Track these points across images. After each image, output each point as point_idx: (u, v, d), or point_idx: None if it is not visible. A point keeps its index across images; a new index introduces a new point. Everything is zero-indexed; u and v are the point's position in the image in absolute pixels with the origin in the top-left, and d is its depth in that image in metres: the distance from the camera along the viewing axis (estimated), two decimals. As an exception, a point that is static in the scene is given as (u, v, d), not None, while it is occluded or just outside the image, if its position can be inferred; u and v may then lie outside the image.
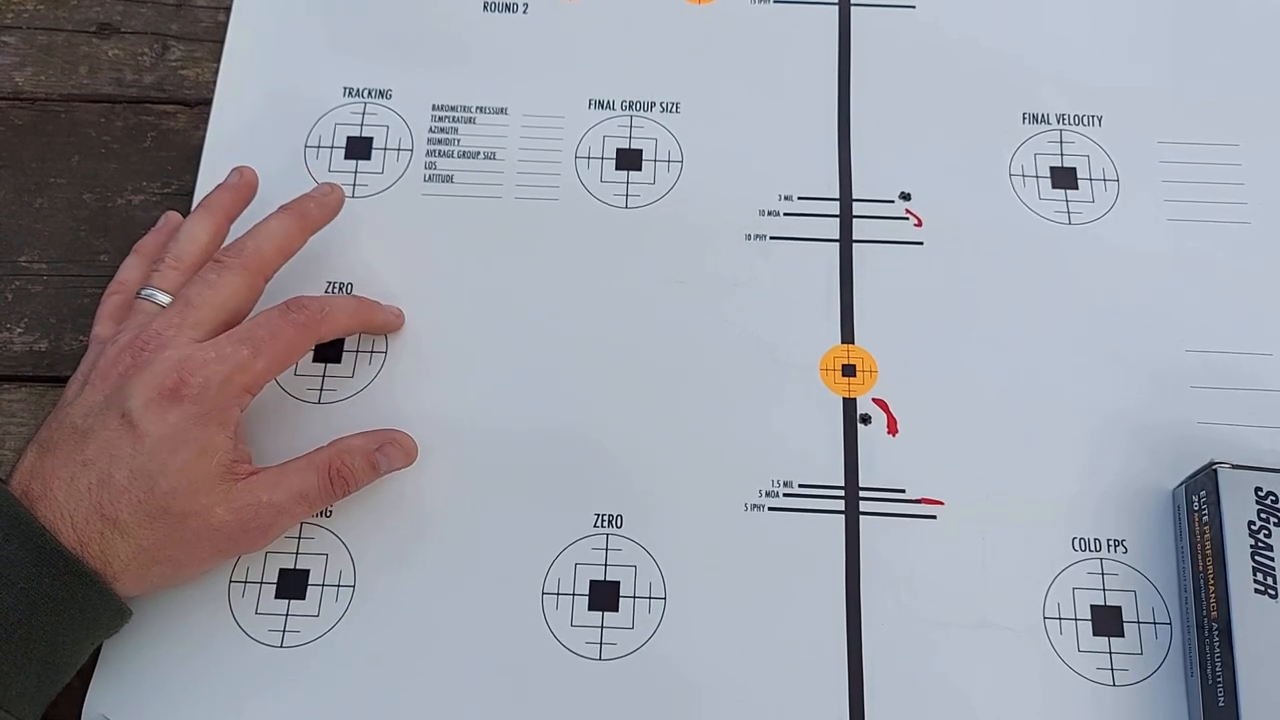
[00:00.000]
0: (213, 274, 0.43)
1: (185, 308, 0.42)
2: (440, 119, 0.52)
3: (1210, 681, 0.40)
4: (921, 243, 0.50)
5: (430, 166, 0.51)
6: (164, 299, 0.44)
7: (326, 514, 0.45)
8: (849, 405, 0.47)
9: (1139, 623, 0.44)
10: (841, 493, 0.45)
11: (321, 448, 0.43)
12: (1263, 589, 0.40)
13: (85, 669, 0.42)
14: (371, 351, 0.48)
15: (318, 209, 0.47)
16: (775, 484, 0.46)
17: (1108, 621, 0.44)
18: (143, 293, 0.44)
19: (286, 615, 0.44)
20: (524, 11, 0.54)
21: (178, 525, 0.40)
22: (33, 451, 0.40)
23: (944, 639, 0.43)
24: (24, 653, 0.37)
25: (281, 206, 0.46)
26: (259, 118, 0.52)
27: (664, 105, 0.52)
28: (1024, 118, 0.52)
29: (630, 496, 0.45)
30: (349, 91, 0.53)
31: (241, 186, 0.47)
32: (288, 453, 0.43)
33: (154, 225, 0.49)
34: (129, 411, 0.40)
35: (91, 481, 0.39)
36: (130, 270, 0.47)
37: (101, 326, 0.45)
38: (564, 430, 0.46)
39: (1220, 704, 0.39)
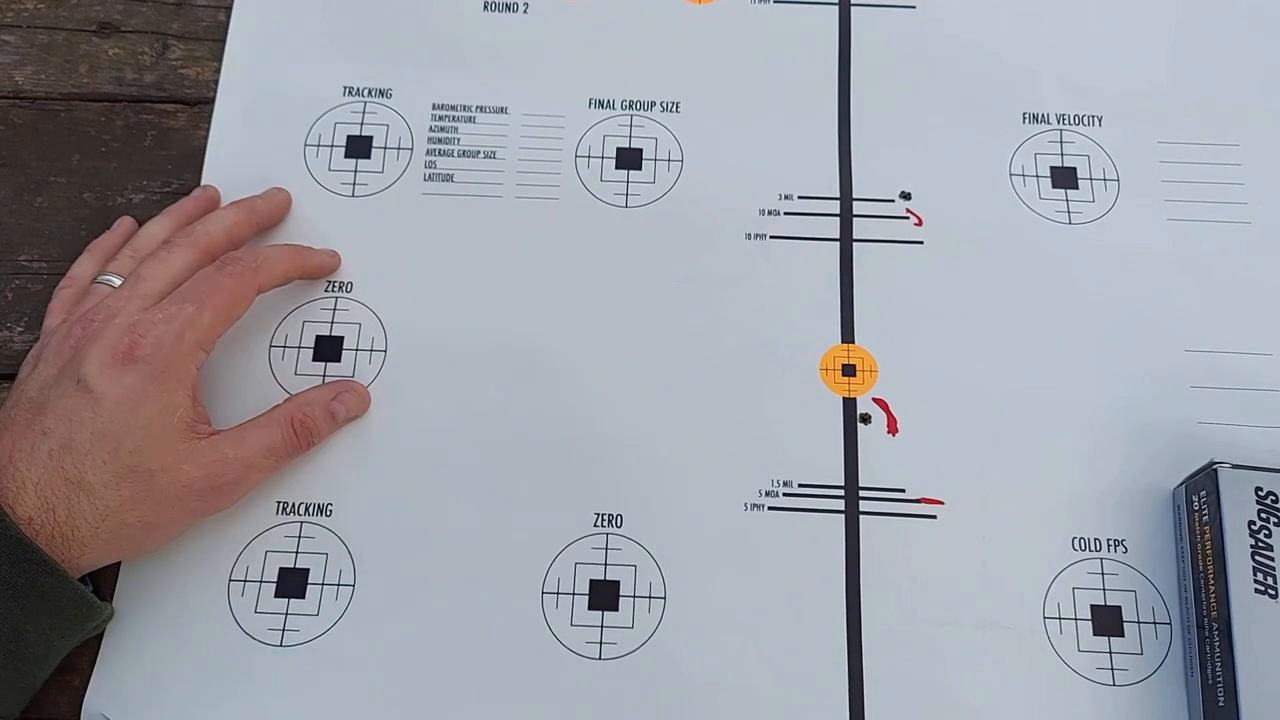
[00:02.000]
0: (163, 251, 0.44)
1: (136, 282, 0.43)
2: (440, 118, 0.52)
3: (1210, 681, 0.40)
4: (921, 242, 0.50)
5: (430, 166, 0.51)
6: (117, 282, 0.45)
7: (327, 513, 0.45)
8: (849, 405, 0.47)
9: (1139, 622, 0.44)
10: (841, 492, 0.45)
11: (279, 404, 0.45)
12: (1263, 589, 0.40)
13: (85, 669, 0.42)
14: (371, 351, 0.48)
15: (264, 204, 0.49)
16: (775, 483, 0.46)
17: (1108, 621, 0.44)
18: (99, 278, 0.45)
19: (286, 614, 0.44)
20: (524, 11, 0.54)
21: (146, 483, 0.40)
22: None
23: (944, 639, 0.43)
24: None
25: (231, 203, 0.48)
26: (259, 117, 0.52)
27: (664, 105, 0.52)
28: (1024, 118, 0.52)
29: (630, 496, 0.45)
30: (349, 90, 0.53)
31: (204, 199, 0.49)
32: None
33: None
34: (85, 378, 0.40)
35: (53, 448, 0.39)
36: (83, 267, 0.48)
37: (52, 318, 0.46)
38: (564, 430, 0.46)
39: (1220, 704, 0.39)
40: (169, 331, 0.41)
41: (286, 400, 0.45)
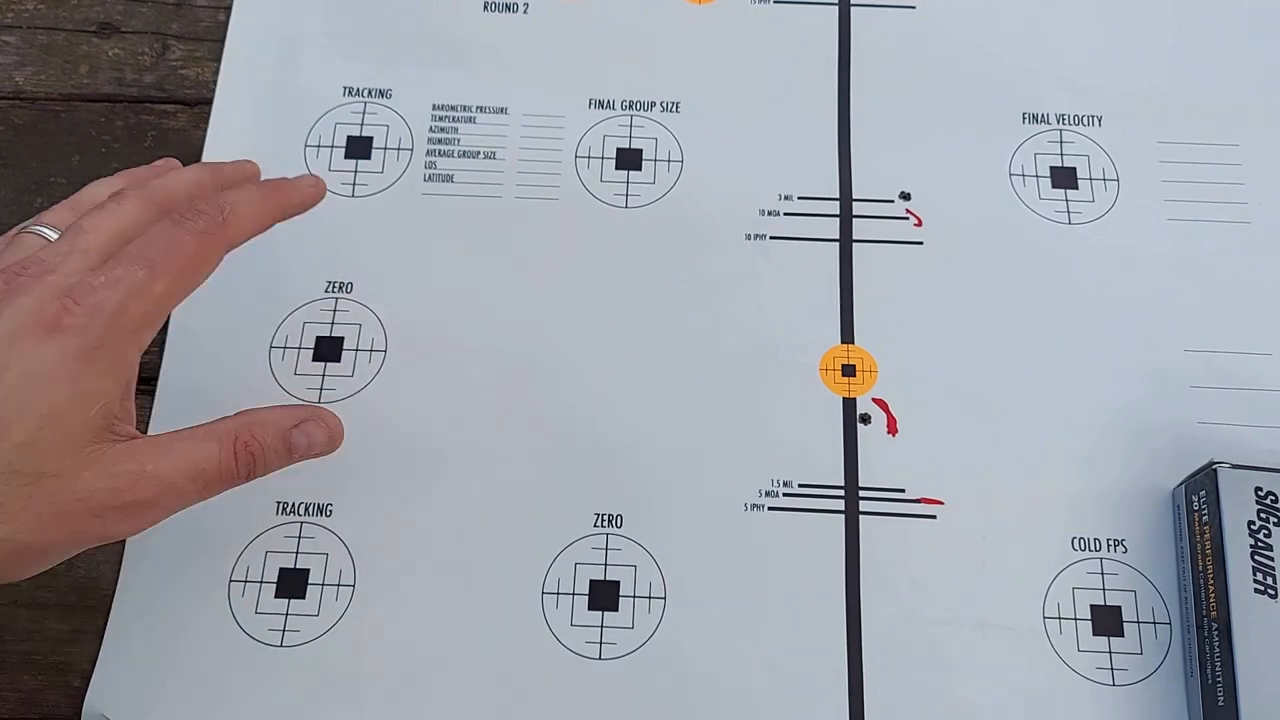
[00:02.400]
0: (111, 203, 0.36)
1: (77, 234, 0.35)
2: (440, 118, 0.52)
3: (1210, 681, 0.40)
4: (921, 243, 0.50)
5: (430, 166, 0.51)
6: (51, 235, 0.37)
7: (327, 513, 0.45)
8: (849, 405, 0.47)
9: (1139, 622, 0.44)
10: (841, 492, 0.45)
11: (227, 417, 0.36)
12: (1263, 589, 0.40)
13: (85, 669, 0.42)
14: (371, 350, 0.48)
15: (231, 170, 0.42)
16: (775, 484, 0.46)
17: (1108, 621, 0.44)
18: (29, 227, 0.37)
19: (286, 614, 0.44)
20: (524, 11, 0.54)
21: (28, 488, 0.32)
22: None
23: (944, 639, 0.43)
24: None
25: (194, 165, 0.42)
26: (259, 117, 0.52)
27: (664, 105, 0.52)
28: (1024, 118, 0.52)
29: (630, 496, 0.45)
30: (349, 91, 0.53)
31: (162, 168, 0.43)
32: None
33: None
34: None
35: None
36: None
37: None
38: (564, 430, 0.46)
39: (1220, 704, 0.39)
40: (110, 299, 0.33)
41: (239, 414, 0.37)
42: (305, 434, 0.38)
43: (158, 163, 0.44)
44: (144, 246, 0.35)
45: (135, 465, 0.33)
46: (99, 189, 0.40)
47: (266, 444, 0.36)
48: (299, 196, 0.41)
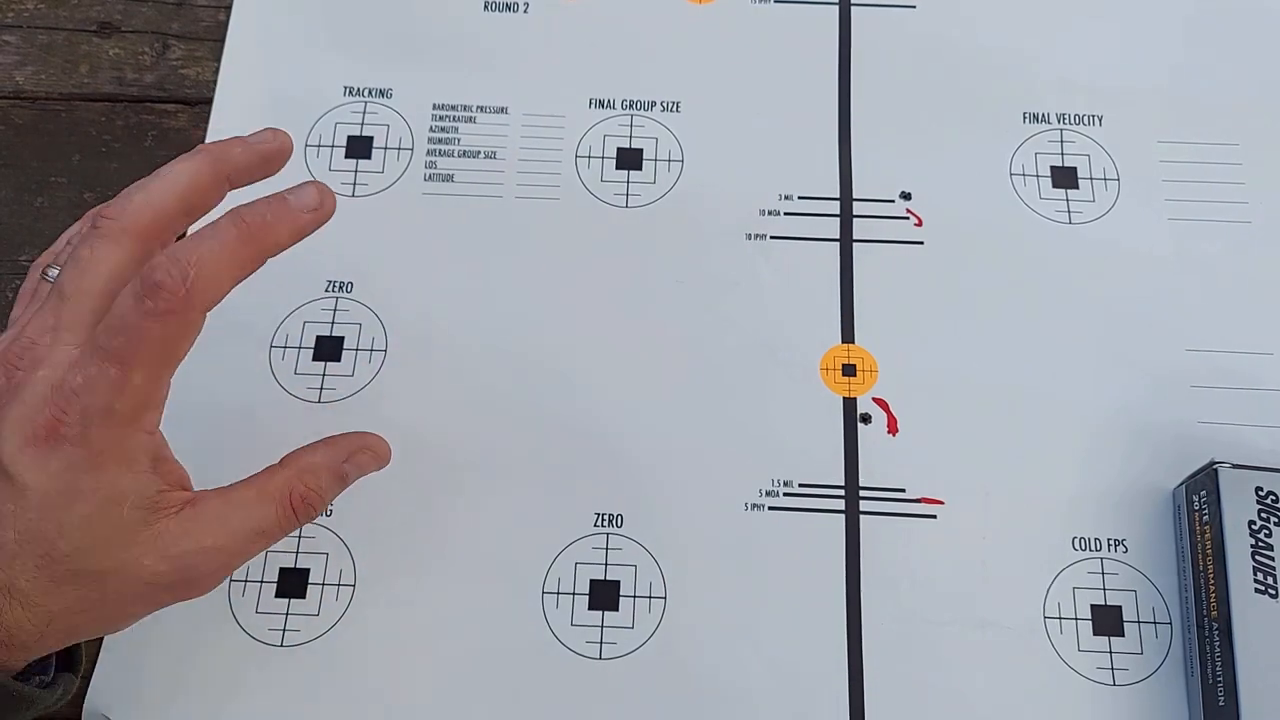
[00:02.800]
0: (85, 249, 0.33)
1: (60, 303, 0.33)
2: (440, 118, 0.52)
3: (1210, 681, 0.40)
4: (921, 242, 0.50)
5: (430, 166, 0.51)
6: None
7: (327, 513, 0.45)
8: (849, 405, 0.47)
9: (1139, 622, 0.44)
10: (842, 492, 0.45)
11: (274, 469, 0.36)
12: (1263, 589, 0.40)
13: (86, 669, 0.42)
14: (371, 350, 0.48)
15: (243, 152, 0.36)
16: (775, 483, 0.46)
17: (1108, 621, 0.44)
18: (47, 274, 0.36)
19: (287, 614, 0.44)
20: (524, 11, 0.54)
21: (96, 585, 0.32)
22: None
23: (944, 639, 0.43)
24: None
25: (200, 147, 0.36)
26: (259, 117, 0.52)
27: (664, 105, 0.52)
28: (1024, 117, 0.52)
29: (630, 496, 0.45)
30: (349, 90, 0.53)
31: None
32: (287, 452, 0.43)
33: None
34: (1, 457, 0.31)
35: None
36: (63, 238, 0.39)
37: (15, 308, 0.37)
38: (564, 429, 0.46)
39: (1220, 704, 0.39)
40: (94, 403, 0.31)
41: (285, 462, 0.36)
42: (356, 465, 0.38)
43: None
44: (109, 337, 0.31)
45: (193, 544, 0.33)
46: (84, 223, 0.37)
47: (321, 488, 0.36)
48: (291, 226, 0.34)
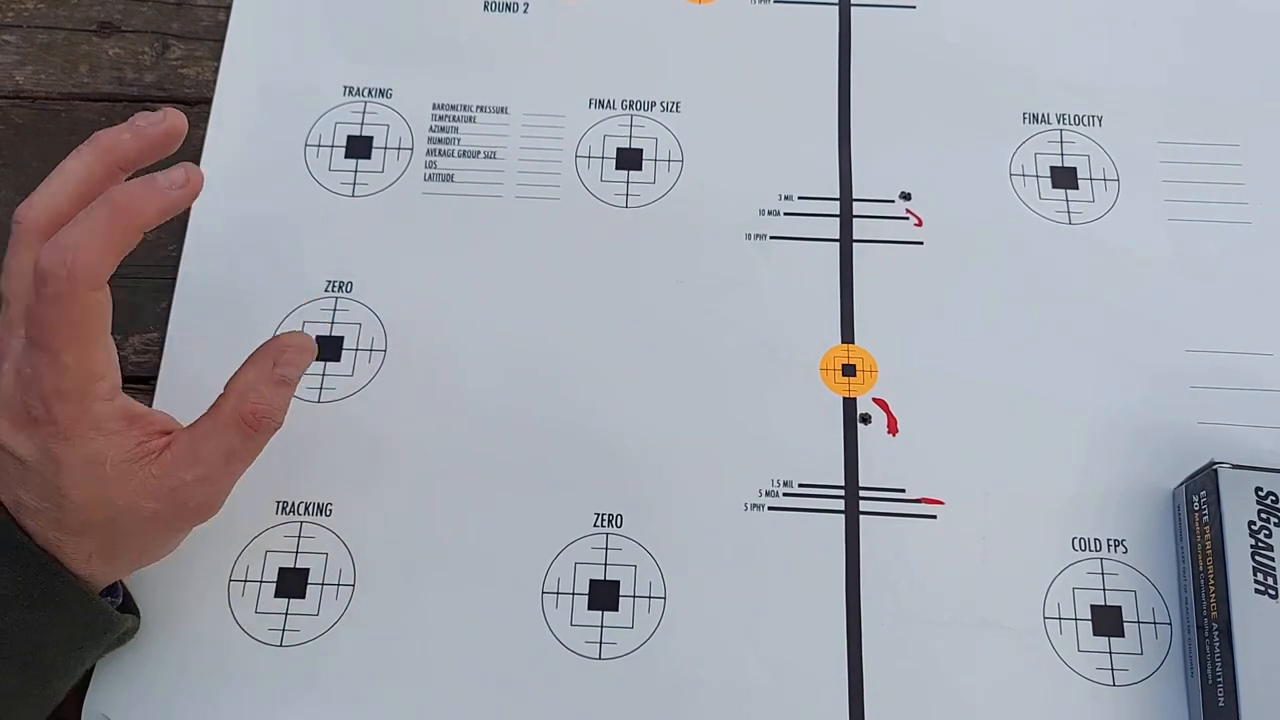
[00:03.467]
0: (10, 256, 0.37)
1: (6, 306, 0.37)
2: (440, 118, 0.52)
3: (1210, 681, 0.40)
4: (921, 243, 0.50)
5: (430, 166, 0.51)
6: None
7: (327, 513, 0.45)
8: (849, 405, 0.47)
9: (1139, 622, 0.44)
10: (841, 492, 0.45)
11: (220, 399, 0.38)
12: (1263, 589, 0.40)
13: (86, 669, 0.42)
14: (371, 350, 0.48)
15: (132, 138, 0.37)
16: (775, 483, 0.46)
17: (1108, 621, 0.44)
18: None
19: (286, 614, 0.44)
20: (524, 11, 0.54)
21: (108, 532, 0.37)
22: None
23: (944, 639, 0.43)
24: (1, 652, 0.36)
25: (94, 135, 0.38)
26: (259, 117, 0.52)
27: (664, 105, 0.52)
28: (1024, 117, 0.52)
29: (630, 496, 0.45)
30: (349, 90, 0.53)
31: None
32: (290, 452, 0.43)
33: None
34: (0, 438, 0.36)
35: (10, 503, 0.37)
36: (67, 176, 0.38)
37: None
38: (564, 429, 0.46)
39: (1220, 704, 0.39)
40: (45, 388, 0.35)
41: (226, 392, 0.38)
42: (288, 365, 0.39)
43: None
44: (30, 329, 0.35)
45: (176, 480, 0.37)
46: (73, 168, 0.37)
47: (265, 398, 0.38)
48: (159, 204, 0.35)
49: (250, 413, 0.38)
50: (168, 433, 0.38)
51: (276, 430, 0.39)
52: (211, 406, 0.38)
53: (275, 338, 0.40)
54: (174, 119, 0.37)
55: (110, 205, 0.35)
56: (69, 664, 0.38)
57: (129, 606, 0.42)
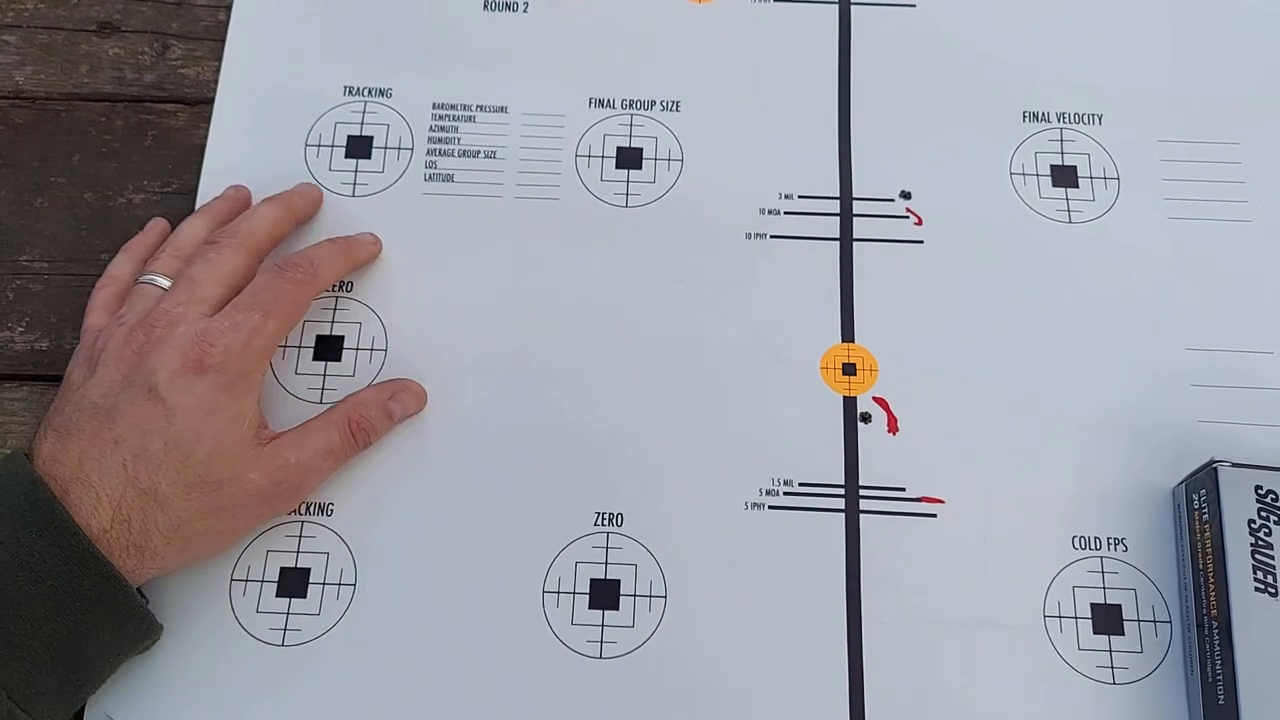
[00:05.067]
0: (212, 253, 0.44)
1: (190, 286, 0.43)
2: (440, 118, 0.52)
3: (1210, 680, 0.40)
4: (921, 242, 0.50)
5: (430, 165, 0.51)
6: (164, 283, 0.44)
7: (327, 512, 0.45)
8: (849, 404, 0.47)
9: (1139, 621, 0.44)
10: (842, 491, 0.45)
11: (335, 404, 0.45)
12: (1263, 587, 0.40)
13: (86, 668, 0.42)
14: (371, 350, 0.48)
15: (299, 199, 0.49)
16: (775, 482, 0.46)
17: (1108, 620, 0.44)
18: (142, 278, 0.45)
19: (288, 614, 0.44)
20: (524, 10, 0.54)
21: (215, 492, 0.40)
22: (49, 437, 0.40)
23: (944, 638, 0.43)
24: (48, 652, 0.37)
25: (267, 198, 0.48)
26: (259, 117, 0.52)
27: (664, 104, 0.52)
28: (1024, 116, 0.52)
29: (631, 495, 0.45)
30: (349, 90, 0.53)
31: (237, 200, 0.49)
32: (288, 452, 0.43)
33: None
34: (155, 386, 0.40)
35: (125, 457, 0.39)
36: (120, 266, 0.47)
37: (94, 317, 0.45)
38: (564, 429, 0.46)
39: (1220, 702, 0.39)
40: (237, 340, 0.41)
41: (342, 401, 0.45)
42: (399, 402, 0.46)
43: (228, 192, 0.49)
44: (256, 294, 0.43)
45: (283, 460, 0.42)
46: (193, 227, 0.47)
47: (372, 417, 0.45)
48: (366, 254, 0.49)
49: (357, 423, 0.44)
50: (267, 428, 0.44)
51: (367, 447, 0.45)
52: (323, 412, 0.45)
53: (403, 379, 0.47)
54: (317, 192, 0.50)
55: (340, 242, 0.48)
56: (102, 667, 0.39)
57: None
